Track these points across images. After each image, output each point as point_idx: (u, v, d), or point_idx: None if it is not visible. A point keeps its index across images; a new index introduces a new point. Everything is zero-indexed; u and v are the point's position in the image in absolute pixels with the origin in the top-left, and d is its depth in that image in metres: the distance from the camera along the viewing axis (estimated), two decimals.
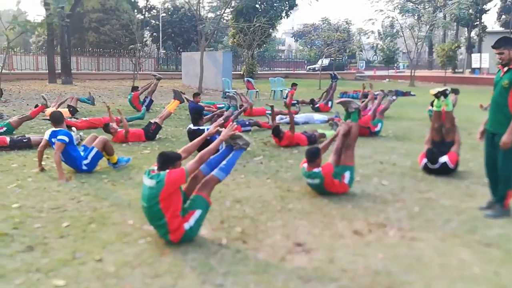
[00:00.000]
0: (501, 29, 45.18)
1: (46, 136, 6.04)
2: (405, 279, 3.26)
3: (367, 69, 46.94)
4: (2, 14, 30.17)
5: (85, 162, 6.08)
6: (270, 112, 11.03)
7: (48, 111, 11.05)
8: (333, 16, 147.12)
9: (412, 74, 28.90)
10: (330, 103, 13.88)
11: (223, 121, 5.03)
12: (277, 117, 11.16)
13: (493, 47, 4.50)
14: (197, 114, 7.20)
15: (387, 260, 3.56)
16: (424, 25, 31.34)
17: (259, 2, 34.18)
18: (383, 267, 3.44)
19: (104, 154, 6.28)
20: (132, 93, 13.17)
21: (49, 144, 6.04)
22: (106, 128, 8.30)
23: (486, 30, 42.23)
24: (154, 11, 48.25)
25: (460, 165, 6.32)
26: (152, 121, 8.75)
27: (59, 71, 25.38)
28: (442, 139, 6.45)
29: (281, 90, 19.22)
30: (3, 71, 16.63)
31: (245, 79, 20.88)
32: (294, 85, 16.06)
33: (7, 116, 11.05)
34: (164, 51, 46.41)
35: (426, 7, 32.65)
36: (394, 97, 11.15)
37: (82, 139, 7.90)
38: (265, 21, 26.61)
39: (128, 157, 6.63)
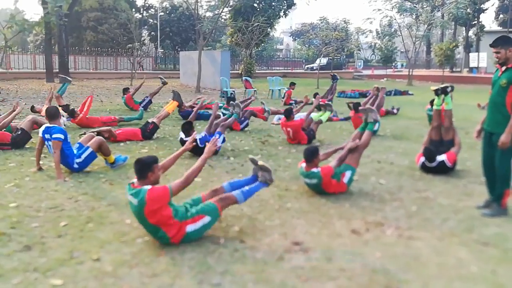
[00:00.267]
0: (499, 28, 45.23)
1: (40, 132, 5.99)
2: (402, 278, 3.26)
3: (365, 68, 46.97)
4: (0, 13, 30.04)
5: (78, 160, 6.01)
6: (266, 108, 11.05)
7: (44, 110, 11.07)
8: (331, 15, 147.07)
9: (410, 73, 28.96)
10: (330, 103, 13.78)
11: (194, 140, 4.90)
12: (275, 118, 11.19)
13: (491, 45, 4.52)
14: (187, 124, 7.18)
15: (384, 259, 3.56)
16: (422, 24, 31.36)
17: (257, 1, 34.17)
18: (381, 266, 3.44)
19: (101, 155, 6.26)
20: (125, 95, 13.08)
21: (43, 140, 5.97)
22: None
23: (484, 29, 42.29)
24: (152, 10, 48.25)
25: (457, 164, 6.33)
26: (150, 120, 8.74)
27: (57, 70, 25.35)
28: (441, 138, 6.47)
29: (279, 89, 19.23)
30: (1, 70, 16.58)
31: (243, 78, 20.88)
32: (292, 84, 16.10)
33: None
34: (162, 50, 46.39)
35: (424, 6, 32.65)
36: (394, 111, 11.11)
37: (65, 125, 7.91)
38: (263, 20, 26.66)
39: (125, 156, 6.62)
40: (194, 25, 25.65)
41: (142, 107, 12.44)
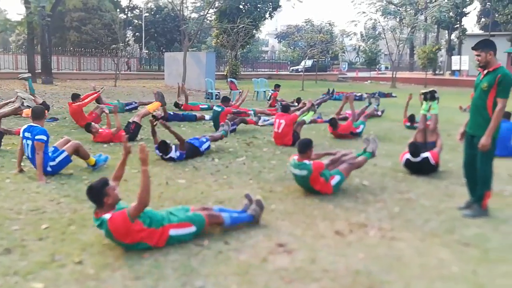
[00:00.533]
0: (481, 32, 46.02)
1: (21, 130, 5.91)
2: (385, 279, 3.29)
3: (349, 70, 47.34)
4: None
5: (52, 163, 5.87)
6: (253, 111, 11.08)
7: (26, 111, 10.91)
8: (316, 17, 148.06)
9: (394, 75, 29.24)
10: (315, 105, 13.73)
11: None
12: (261, 119, 11.21)
13: (473, 48, 4.60)
14: (163, 144, 7.07)
15: (367, 260, 3.59)
16: (406, 28, 31.77)
17: (243, 3, 34.18)
18: (364, 267, 3.47)
19: (81, 158, 6.20)
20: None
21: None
22: (88, 128, 8.18)
23: (466, 33, 42.97)
24: (137, 10, 47.93)
25: (440, 165, 6.42)
26: (131, 120, 8.65)
27: (40, 71, 25.02)
28: (425, 141, 6.65)
29: (264, 91, 19.24)
30: None
31: (228, 79, 20.85)
32: (277, 86, 16.11)
33: None
34: (147, 51, 46.11)
35: (408, 9, 33.07)
36: (377, 104, 11.23)
37: (23, 103, 7.81)
38: (249, 22, 26.67)
39: (105, 156, 6.54)
40: (179, 26, 25.58)
41: (128, 109, 12.37)
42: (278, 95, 15.56)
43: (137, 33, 47.08)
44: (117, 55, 27.26)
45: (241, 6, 34.00)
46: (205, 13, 25.40)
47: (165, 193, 5.29)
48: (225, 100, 10.16)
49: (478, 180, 4.62)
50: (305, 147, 5.22)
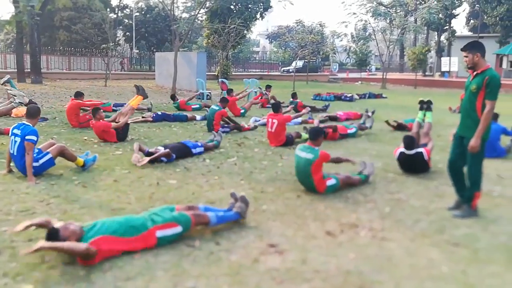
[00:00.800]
0: (470, 33, 46.44)
1: (12, 127, 5.86)
2: (375, 279, 3.31)
3: (340, 71, 47.51)
4: None
5: (35, 164, 5.75)
6: (243, 111, 11.09)
7: (15, 111, 10.84)
8: (307, 18, 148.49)
9: (384, 76, 29.41)
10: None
11: None
12: (252, 119, 11.24)
13: (461, 49, 4.65)
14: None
15: (358, 260, 3.61)
16: (396, 29, 31.93)
17: (234, 3, 34.13)
18: (355, 267, 3.48)
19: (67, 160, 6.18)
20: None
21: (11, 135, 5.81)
22: (96, 111, 8.34)
23: (455, 34, 43.28)
24: (127, 10, 47.68)
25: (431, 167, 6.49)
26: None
27: (29, 70, 24.80)
28: (418, 143, 6.81)
29: (256, 92, 19.23)
30: None
31: (220, 80, 20.82)
32: (268, 87, 16.13)
33: None
34: (137, 51, 45.88)
35: (398, 11, 33.25)
36: (369, 125, 11.28)
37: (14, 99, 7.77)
38: (240, 22, 26.60)
39: (94, 155, 6.50)
40: (170, 26, 25.48)
41: (114, 109, 12.32)
42: (266, 98, 15.49)
43: (127, 33, 46.81)
44: (107, 55, 27.10)
45: (232, 7, 33.94)
46: (196, 13, 25.28)
47: (156, 194, 5.27)
48: (224, 100, 10.15)
49: (469, 181, 4.67)
50: (316, 135, 5.43)
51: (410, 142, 6.31)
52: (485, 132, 4.46)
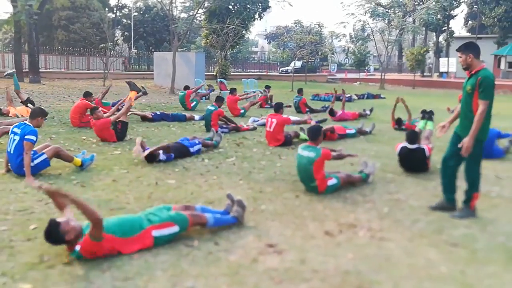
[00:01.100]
0: (468, 34, 46.51)
1: (13, 125, 5.90)
2: (374, 279, 3.31)
3: (338, 71, 47.50)
4: None
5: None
6: (243, 111, 11.11)
7: (12, 111, 10.83)
8: (305, 18, 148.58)
9: (382, 77, 29.43)
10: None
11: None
12: (251, 119, 11.25)
13: (456, 50, 4.68)
14: (150, 157, 6.98)
15: (357, 260, 3.61)
16: (394, 29, 31.95)
17: (232, 3, 34.15)
18: (353, 267, 3.49)
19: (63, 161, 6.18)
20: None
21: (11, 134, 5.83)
22: (94, 110, 8.32)
23: (454, 35, 43.40)
24: (125, 10, 47.64)
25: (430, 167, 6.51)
26: (117, 119, 8.60)
27: (27, 70, 24.75)
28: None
29: (254, 92, 19.24)
30: None
31: (218, 80, 20.82)
32: (267, 87, 16.15)
33: None
34: (136, 50, 45.83)
35: (396, 11, 33.27)
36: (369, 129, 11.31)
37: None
38: (238, 23, 26.64)
39: (91, 154, 6.49)
40: (168, 26, 25.45)
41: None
42: (265, 97, 15.53)
43: (126, 33, 46.77)
44: (106, 55, 27.07)
45: (230, 7, 33.97)
46: (195, 13, 25.32)
47: (155, 194, 5.27)
48: (219, 100, 10.15)
49: (466, 182, 4.68)
50: (315, 134, 5.41)
51: (413, 136, 6.40)
52: (482, 133, 4.49)
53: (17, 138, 5.67)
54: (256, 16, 36.83)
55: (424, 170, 6.45)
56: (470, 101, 4.51)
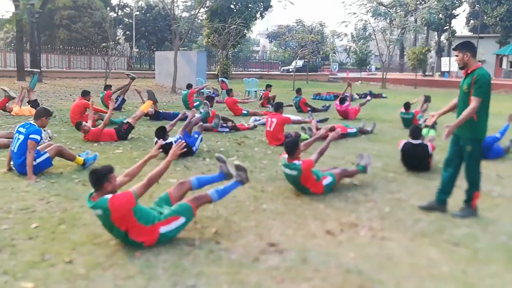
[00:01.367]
0: (470, 33, 46.46)
1: (18, 125, 5.95)
2: (375, 278, 3.31)
3: (340, 71, 47.51)
4: None
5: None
6: (247, 112, 11.17)
7: (15, 110, 10.86)
8: (307, 18, 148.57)
9: (384, 76, 29.40)
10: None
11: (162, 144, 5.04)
12: (251, 119, 11.25)
13: (453, 49, 4.67)
14: (161, 129, 6.98)
15: (358, 259, 3.61)
16: (396, 29, 31.94)
17: (234, 3, 34.14)
18: (355, 266, 3.49)
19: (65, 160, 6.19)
20: (105, 91, 12.93)
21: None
22: (78, 126, 8.11)
23: (455, 34, 43.30)
24: (127, 9, 47.68)
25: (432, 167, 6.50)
26: (125, 120, 8.66)
27: (29, 69, 24.76)
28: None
29: (255, 91, 19.26)
30: None
31: (220, 79, 20.82)
32: (268, 86, 16.15)
33: None
34: (137, 50, 45.87)
35: (398, 11, 33.27)
36: (368, 98, 11.27)
37: (52, 137, 7.85)
38: (240, 22, 26.62)
39: (94, 154, 6.51)
40: (170, 25, 25.48)
41: (116, 107, 12.30)
42: (269, 94, 15.59)
43: (127, 32, 46.79)
44: (108, 54, 27.09)
45: (232, 6, 33.96)
46: (196, 12, 25.32)
47: (156, 193, 5.25)
48: (210, 99, 10.15)
49: (467, 181, 4.68)
50: (292, 149, 5.23)
51: (416, 132, 6.42)
52: (480, 132, 4.52)
53: (21, 137, 5.71)
54: (258, 15, 36.80)
55: (426, 168, 6.45)
56: (467, 100, 4.50)
